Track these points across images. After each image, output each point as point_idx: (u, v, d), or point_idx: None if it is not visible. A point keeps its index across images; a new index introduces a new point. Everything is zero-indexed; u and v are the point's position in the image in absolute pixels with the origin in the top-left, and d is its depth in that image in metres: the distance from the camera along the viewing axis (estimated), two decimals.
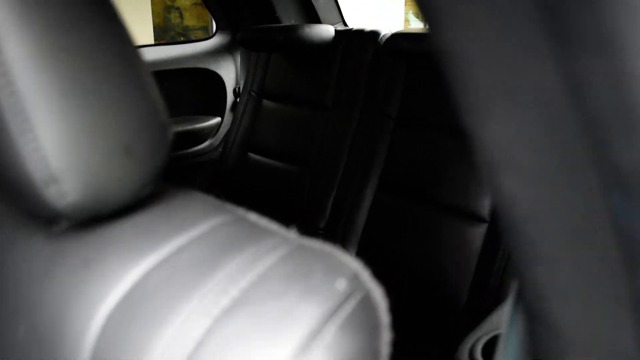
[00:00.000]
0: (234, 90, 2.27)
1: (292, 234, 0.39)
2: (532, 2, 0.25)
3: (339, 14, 2.40)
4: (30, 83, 0.34)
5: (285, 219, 1.69)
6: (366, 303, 0.34)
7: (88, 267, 0.38)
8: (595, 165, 0.26)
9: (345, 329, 0.32)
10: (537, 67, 0.26)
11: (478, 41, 0.27)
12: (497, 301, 1.30)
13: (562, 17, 0.24)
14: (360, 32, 1.78)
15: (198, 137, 2.16)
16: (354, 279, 0.35)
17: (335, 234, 1.64)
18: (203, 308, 0.33)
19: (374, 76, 1.69)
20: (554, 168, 0.28)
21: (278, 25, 1.91)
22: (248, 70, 2.14)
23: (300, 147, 1.87)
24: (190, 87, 2.19)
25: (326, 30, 1.82)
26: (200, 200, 0.44)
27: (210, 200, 0.45)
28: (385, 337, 0.35)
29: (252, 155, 2.03)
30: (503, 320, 0.77)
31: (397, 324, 1.29)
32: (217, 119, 2.24)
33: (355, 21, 2.23)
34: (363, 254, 1.58)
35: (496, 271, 1.32)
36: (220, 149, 2.24)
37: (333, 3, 2.36)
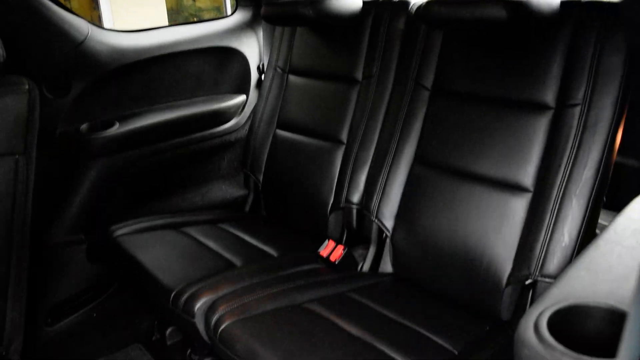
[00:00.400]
0: (258, 68, 2.24)
1: None
2: None
3: None
4: None
5: (318, 195, 1.70)
6: None
7: None
8: None
9: None
10: None
11: None
12: (543, 272, 1.28)
13: None
14: (389, 2, 1.74)
15: (224, 116, 2.15)
16: None
17: (371, 209, 1.63)
18: None
19: (408, 46, 1.65)
20: None
21: None
22: (272, 46, 2.11)
23: (330, 123, 1.85)
24: (214, 66, 2.16)
25: (354, 2, 1.77)
26: None
27: None
28: None
29: (280, 132, 2.01)
30: (567, 292, 0.75)
31: (442, 298, 1.28)
32: (242, 97, 2.21)
33: None
34: (399, 228, 1.57)
35: (543, 241, 1.30)
36: (247, 127, 2.22)
37: None
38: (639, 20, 1.10)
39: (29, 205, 1.21)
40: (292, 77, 2.02)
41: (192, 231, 1.80)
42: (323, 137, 1.86)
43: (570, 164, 1.30)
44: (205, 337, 1.35)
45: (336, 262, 1.61)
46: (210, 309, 1.31)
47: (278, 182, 1.97)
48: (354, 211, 1.71)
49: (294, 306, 1.36)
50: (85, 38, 1.76)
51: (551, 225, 1.29)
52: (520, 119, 1.41)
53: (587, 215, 1.28)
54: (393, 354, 1.18)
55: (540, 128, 1.38)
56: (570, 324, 0.68)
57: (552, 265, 1.28)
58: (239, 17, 2.28)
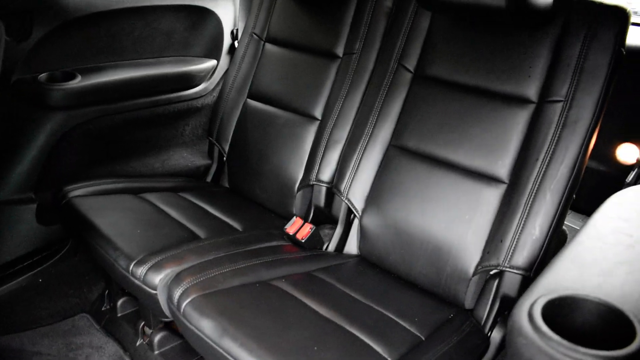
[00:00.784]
0: (232, 32, 2.14)
1: None
2: None
3: None
4: None
5: (287, 171, 1.65)
6: None
7: None
8: None
9: None
10: None
11: None
12: (512, 263, 1.29)
13: None
14: None
15: (192, 80, 2.05)
16: None
17: (342, 188, 1.59)
18: None
19: (394, 26, 1.61)
20: None
21: None
22: (250, 11, 2.02)
23: (305, 97, 1.79)
24: (185, 26, 2.05)
25: None
26: None
27: None
28: None
29: (251, 102, 1.94)
30: (557, 284, 0.75)
31: (407, 282, 1.26)
32: (213, 62, 2.12)
33: None
34: (369, 210, 1.55)
35: (514, 233, 1.30)
36: (216, 94, 2.13)
37: None
38: None
39: None
40: (268, 46, 1.94)
41: (152, 198, 1.71)
42: (296, 112, 1.80)
43: (548, 159, 1.31)
44: (166, 311, 1.29)
45: (303, 241, 1.57)
46: (174, 281, 1.25)
47: (245, 153, 1.90)
48: (324, 190, 1.67)
49: (261, 282, 1.32)
50: None
51: (524, 218, 1.30)
52: (500, 111, 1.41)
53: (559, 211, 1.29)
54: (363, 337, 1.17)
55: (520, 121, 1.38)
56: (559, 314, 0.68)
57: (522, 257, 1.29)
58: None
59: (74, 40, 1.76)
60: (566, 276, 0.77)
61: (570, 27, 1.34)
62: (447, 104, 1.49)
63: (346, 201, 1.59)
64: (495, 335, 1.33)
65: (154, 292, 1.28)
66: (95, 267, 1.82)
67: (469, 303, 1.39)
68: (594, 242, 0.88)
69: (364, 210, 1.57)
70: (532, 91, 1.37)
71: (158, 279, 1.28)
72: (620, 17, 1.29)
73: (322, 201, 1.68)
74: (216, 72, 2.13)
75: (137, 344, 1.63)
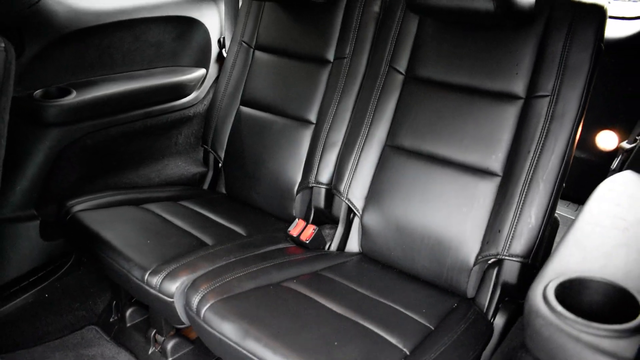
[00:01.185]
0: (219, 41, 2.17)
1: None
2: None
3: None
4: None
5: (285, 174, 1.71)
6: None
7: None
8: None
9: None
10: None
11: None
12: (510, 252, 1.36)
13: None
14: None
15: (183, 90, 2.08)
16: None
17: (341, 189, 1.65)
18: None
19: (382, 30, 1.67)
20: None
21: None
22: (237, 20, 2.05)
23: (298, 102, 1.84)
24: (173, 37, 2.08)
25: None
26: None
27: None
28: None
29: (244, 109, 1.98)
30: (565, 268, 0.81)
31: (408, 276, 1.34)
32: (202, 71, 2.15)
33: None
34: (370, 209, 1.61)
35: (511, 222, 1.37)
36: (206, 102, 2.16)
37: None
38: None
39: None
40: (258, 54, 1.98)
41: (154, 208, 1.74)
42: (290, 116, 1.85)
43: (539, 151, 1.39)
44: (183, 317, 1.32)
45: (307, 242, 1.62)
46: (192, 288, 1.28)
47: (241, 159, 1.94)
48: (323, 191, 1.72)
49: (274, 285, 1.36)
50: None
51: (519, 208, 1.38)
52: (491, 107, 1.48)
53: (552, 200, 1.37)
54: (378, 330, 1.22)
55: (510, 117, 1.46)
56: (569, 295, 0.74)
57: (520, 245, 1.36)
58: None
59: (66, 55, 1.77)
60: (571, 261, 0.84)
61: (552, 25, 1.42)
62: (439, 103, 1.55)
63: (346, 201, 1.64)
64: (498, 321, 1.40)
65: (171, 300, 1.31)
66: (99, 279, 1.84)
67: (470, 292, 1.46)
68: (593, 228, 0.95)
69: (364, 209, 1.62)
70: (519, 87, 1.45)
71: (174, 287, 1.31)
72: (599, 13, 1.38)
73: (322, 202, 1.73)
74: (206, 80, 2.16)
75: (150, 352, 1.66)
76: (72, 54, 1.79)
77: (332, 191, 1.69)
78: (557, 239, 1.50)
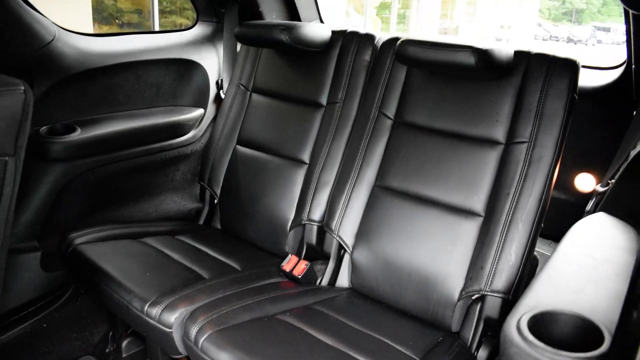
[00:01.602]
0: (217, 82, 2.28)
1: None
2: None
3: (317, 11, 2.48)
4: None
5: (278, 212, 1.81)
6: None
7: None
8: None
9: None
10: None
11: None
12: (492, 288, 1.45)
13: None
14: (356, 34, 1.87)
15: (182, 129, 2.17)
16: None
17: (332, 226, 1.73)
18: None
19: (373, 77, 1.79)
20: None
21: (276, 22, 1.95)
22: (236, 64, 2.17)
23: (292, 143, 1.93)
24: (173, 78, 2.19)
25: (324, 30, 1.88)
26: None
27: None
28: None
29: (240, 148, 2.07)
30: (537, 302, 0.90)
31: (397, 311, 1.43)
32: (201, 111, 2.25)
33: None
34: (359, 246, 1.69)
35: (493, 260, 1.46)
36: (203, 141, 2.25)
37: (313, 1, 2.44)
38: None
39: (12, 208, 1.18)
40: (255, 96, 2.08)
41: (152, 242, 1.80)
42: (285, 157, 1.94)
43: (518, 193, 1.49)
44: (181, 348, 1.38)
45: (299, 277, 1.69)
46: (190, 319, 1.34)
47: (237, 196, 2.02)
48: (315, 228, 1.80)
49: (268, 317, 1.43)
50: (53, 39, 1.73)
51: (500, 246, 1.47)
52: (473, 152, 1.59)
53: (530, 239, 1.46)
54: None
55: (491, 161, 1.56)
56: (541, 327, 0.83)
57: (501, 281, 1.45)
58: (200, 30, 2.32)
59: (72, 94, 1.86)
60: (544, 295, 0.92)
61: (529, 77, 1.54)
62: (425, 147, 1.66)
63: (337, 238, 1.72)
64: (481, 354, 1.47)
65: (169, 330, 1.37)
66: (97, 310, 1.88)
67: (455, 326, 1.53)
68: (565, 265, 1.04)
69: (354, 246, 1.70)
70: (500, 134, 1.56)
71: (173, 317, 1.37)
72: (572, 67, 1.50)
73: (313, 239, 1.81)
74: (203, 120, 2.26)
75: None
76: (77, 93, 1.88)
77: (324, 228, 1.77)
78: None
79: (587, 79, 2.02)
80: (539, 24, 22.29)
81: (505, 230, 1.47)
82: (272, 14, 2.33)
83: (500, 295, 1.43)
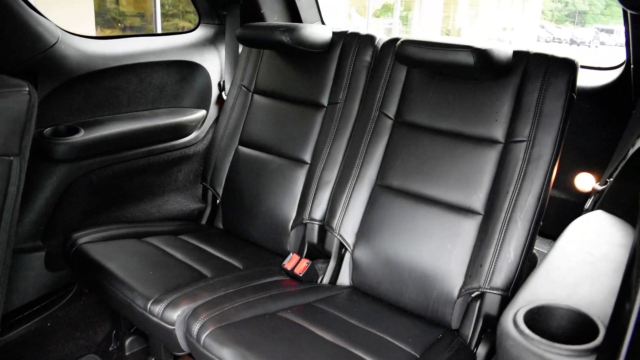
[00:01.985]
0: (219, 84, 2.30)
1: None
2: None
3: (318, 13, 2.50)
4: None
5: (280, 211, 1.83)
6: None
7: None
8: None
9: None
10: None
11: None
12: (491, 285, 1.46)
13: None
14: (356, 35, 1.89)
15: (184, 130, 2.19)
16: None
17: (333, 225, 1.75)
18: None
19: (373, 78, 1.80)
20: None
21: (277, 24, 1.97)
22: (238, 65, 2.19)
23: (294, 143, 1.95)
24: (176, 79, 2.21)
25: (325, 32, 1.90)
26: None
27: None
28: None
29: (242, 148, 2.09)
30: (533, 297, 0.91)
31: (397, 308, 1.45)
32: (203, 112, 2.27)
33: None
34: (360, 245, 1.70)
35: (492, 258, 1.47)
36: (206, 142, 2.27)
37: (314, 2, 2.46)
38: None
39: (17, 208, 1.20)
40: (257, 97, 2.10)
41: (155, 241, 1.82)
42: (287, 157, 1.96)
43: (517, 192, 1.50)
44: (183, 345, 1.39)
45: (301, 275, 1.70)
46: (192, 316, 1.36)
47: (239, 196, 2.04)
48: (316, 227, 1.82)
49: (269, 314, 1.44)
50: (56, 42, 1.75)
51: (499, 244, 1.48)
52: (473, 151, 1.60)
53: (529, 237, 1.47)
54: (367, 358, 1.30)
55: (490, 160, 1.57)
56: (537, 321, 0.84)
57: (500, 279, 1.46)
58: (202, 33, 2.34)
59: (75, 96, 1.89)
60: (541, 291, 0.93)
61: (528, 77, 1.55)
62: (425, 146, 1.68)
63: (338, 237, 1.74)
64: (481, 351, 1.48)
65: (172, 327, 1.39)
66: (100, 309, 1.90)
67: (455, 323, 1.54)
68: (562, 262, 1.05)
69: (355, 245, 1.72)
70: (499, 133, 1.57)
71: (176, 315, 1.39)
72: (570, 67, 1.52)
73: (315, 238, 1.82)
74: (206, 121, 2.28)
75: None
76: (81, 95, 1.90)
77: (325, 227, 1.78)
78: None
79: (587, 79, 2.03)
80: (542, 25, 22.31)
81: (504, 228, 1.49)
82: (274, 16, 2.35)
83: (499, 292, 1.45)
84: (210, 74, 2.27)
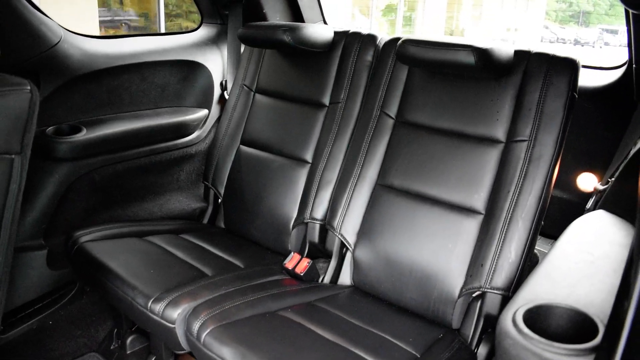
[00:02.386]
0: (221, 84, 2.31)
1: None
2: None
3: (320, 13, 2.50)
4: None
5: (281, 210, 1.83)
6: None
7: None
8: None
9: None
10: None
11: None
12: (492, 285, 1.46)
13: None
14: (358, 34, 1.89)
15: (187, 129, 2.19)
16: None
17: (335, 225, 1.75)
18: None
19: (375, 77, 1.80)
20: None
21: (279, 23, 1.98)
22: (240, 65, 2.19)
23: (295, 143, 1.95)
24: (178, 79, 2.21)
25: (327, 31, 1.91)
26: None
27: None
28: None
29: (244, 148, 2.09)
30: (533, 296, 0.91)
31: (398, 308, 1.45)
32: (205, 111, 2.27)
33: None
34: (361, 244, 1.70)
35: (493, 257, 1.47)
36: (208, 141, 2.28)
37: (316, 2, 2.46)
38: None
39: (18, 206, 1.21)
40: (258, 97, 2.11)
41: (157, 240, 1.82)
42: (288, 156, 1.96)
43: (518, 191, 1.50)
44: (184, 343, 1.40)
45: (302, 274, 1.70)
46: (192, 315, 1.36)
47: (240, 196, 2.04)
48: (317, 226, 1.82)
49: (270, 313, 1.44)
50: (59, 41, 1.76)
51: (500, 244, 1.48)
52: (474, 150, 1.60)
53: (530, 236, 1.47)
54: (367, 357, 1.30)
55: (491, 159, 1.57)
56: (537, 320, 0.84)
57: (501, 278, 1.46)
58: (204, 32, 2.35)
59: (78, 95, 1.89)
60: (540, 290, 0.93)
61: (529, 76, 1.55)
62: (426, 146, 1.67)
63: (339, 236, 1.74)
64: (481, 351, 1.48)
65: (172, 325, 1.39)
66: (101, 308, 1.91)
67: (455, 323, 1.54)
68: (561, 261, 1.05)
69: (356, 244, 1.72)
70: (500, 132, 1.57)
71: (176, 313, 1.39)
72: (572, 66, 1.51)
73: (316, 237, 1.82)
74: (208, 120, 2.28)
75: None
76: (83, 94, 1.91)
77: (326, 227, 1.79)
78: None
79: (589, 79, 2.02)
80: (546, 26, 22.26)
81: (505, 227, 1.48)
82: (276, 16, 2.36)
83: (500, 292, 1.45)
84: (212, 73, 2.28)
